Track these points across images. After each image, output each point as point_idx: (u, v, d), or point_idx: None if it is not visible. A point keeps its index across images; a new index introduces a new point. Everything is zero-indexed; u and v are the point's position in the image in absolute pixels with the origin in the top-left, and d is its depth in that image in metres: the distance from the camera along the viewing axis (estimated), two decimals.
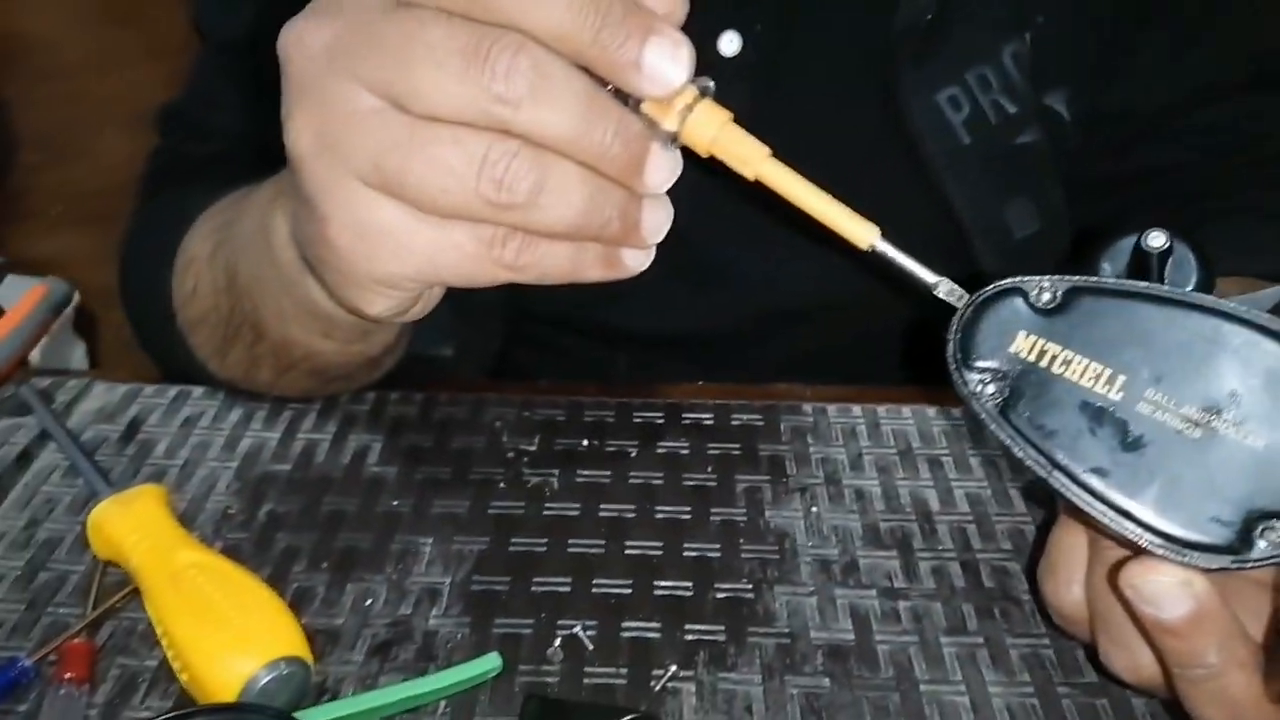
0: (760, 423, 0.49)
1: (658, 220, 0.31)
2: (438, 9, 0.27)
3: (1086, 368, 0.27)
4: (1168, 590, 0.27)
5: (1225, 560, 0.26)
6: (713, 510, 0.44)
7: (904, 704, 0.36)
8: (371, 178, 0.29)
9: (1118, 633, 0.31)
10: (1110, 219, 0.50)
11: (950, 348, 0.29)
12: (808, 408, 0.50)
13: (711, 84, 0.30)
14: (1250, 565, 0.26)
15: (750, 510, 0.44)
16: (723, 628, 0.39)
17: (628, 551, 0.42)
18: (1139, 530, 0.27)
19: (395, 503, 0.44)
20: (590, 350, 0.65)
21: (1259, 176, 0.56)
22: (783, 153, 0.58)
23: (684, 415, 0.50)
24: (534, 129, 0.27)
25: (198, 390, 0.50)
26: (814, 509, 0.44)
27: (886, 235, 0.30)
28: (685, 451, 0.47)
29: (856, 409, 0.50)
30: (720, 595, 0.40)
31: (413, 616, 0.39)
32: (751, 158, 0.30)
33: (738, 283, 0.59)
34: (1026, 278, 0.28)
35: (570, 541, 0.42)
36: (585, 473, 0.46)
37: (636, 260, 0.32)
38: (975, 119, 0.53)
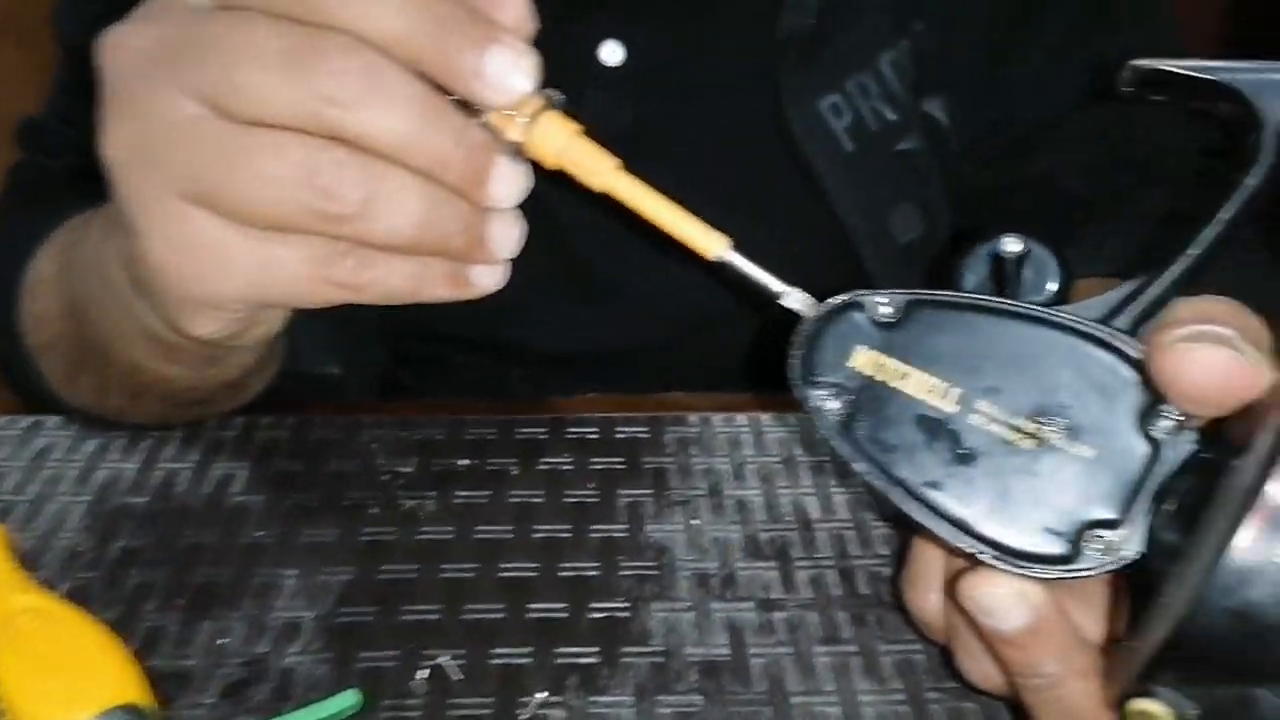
0: (646, 435, 0.48)
1: (506, 236, 0.30)
2: (264, 10, 0.26)
3: (923, 382, 0.27)
4: (1003, 601, 0.26)
5: (1058, 571, 0.26)
6: (592, 527, 0.43)
7: (776, 718, 0.35)
8: (191, 190, 0.27)
9: (967, 641, 0.31)
10: (988, 225, 0.51)
11: (792, 364, 0.28)
12: (694, 418, 0.49)
13: (560, 95, 0.29)
14: (1080, 575, 0.26)
15: (631, 525, 0.43)
16: (596, 649, 0.38)
17: (501, 574, 0.41)
18: (974, 543, 0.26)
19: (259, 533, 0.42)
20: (483, 368, 0.63)
21: (1135, 178, 0.57)
22: (670, 163, 0.57)
23: (568, 430, 0.49)
24: (366, 134, 0.26)
25: (52, 420, 0.48)
26: (694, 521, 0.44)
27: (738, 246, 0.29)
28: (568, 468, 0.46)
29: (742, 418, 0.49)
30: (595, 615, 0.39)
31: (270, 654, 0.37)
32: (600, 169, 0.29)
33: (632, 297, 0.59)
34: (866, 292, 0.28)
35: (442, 566, 0.41)
36: (462, 494, 0.45)
37: (487, 278, 0.31)
38: (857, 126, 0.54)
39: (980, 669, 0.31)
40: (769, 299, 0.30)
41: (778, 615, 0.39)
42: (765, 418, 0.49)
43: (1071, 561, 0.26)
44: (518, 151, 0.28)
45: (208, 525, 0.43)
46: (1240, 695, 0.21)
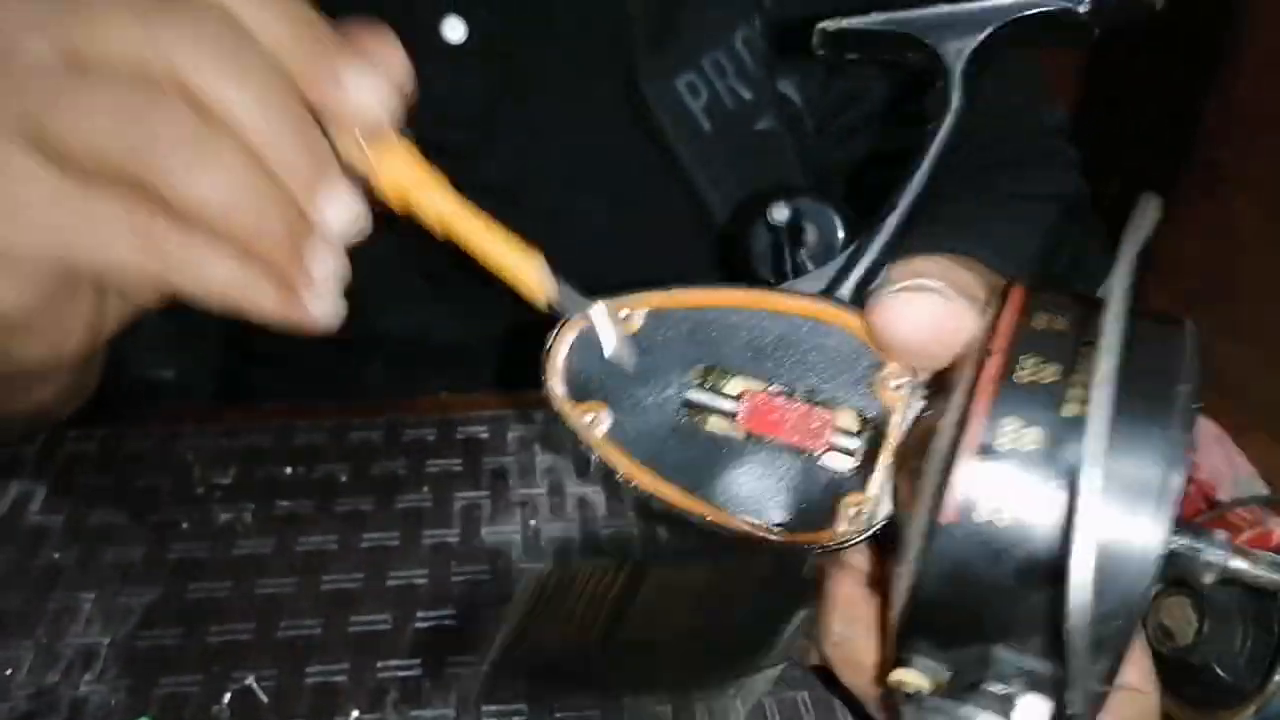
0: (485, 435, 0.47)
1: (325, 263, 0.27)
2: None
3: (666, 383, 0.27)
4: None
5: (819, 545, 0.26)
6: (425, 533, 0.41)
7: None
8: (15, 123, 0.25)
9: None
10: (768, 195, 0.51)
11: (547, 384, 0.27)
12: (539, 415, 0.48)
13: (411, 131, 0.28)
14: (838, 546, 0.26)
15: (466, 530, 0.42)
16: (419, 661, 0.36)
17: (324, 588, 0.39)
18: (734, 529, 0.26)
19: (57, 555, 0.39)
20: (334, 363, 0.61)
21: (979, 157, 0.58)
22: (524, 146, 0.56)
23: (405, 432, 0.47)
24: (206, 94, 0.25)
25: None
26: (533, 521, 0.42)
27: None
28: (402, 472, 0.44)
29: None
30: (422, 626, 0.37)
31: (60, 684, 0.34)
32: (442, 206, 0.28)
33: (486, 281, 0.57)
34: (607, 300, 0.27)
35: (258, 582, 0.39)
36: (285, 504, 0.42)
37: (319, 306, 0.28)
38: (714, 105, 0.53)
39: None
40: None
41: None
42: None
43: (830, 533, 0.26)
44: (365, 183, 0.27)
45: (1, 548, 0.39)
46: (981, 654, 0.21)
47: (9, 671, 0.35)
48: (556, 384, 0.28)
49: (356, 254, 0.64)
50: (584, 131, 0.54)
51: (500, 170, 0.55)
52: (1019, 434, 0.20)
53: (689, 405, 0.27)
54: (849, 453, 0.26)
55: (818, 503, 0.26)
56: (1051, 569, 0.19)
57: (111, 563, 0.39)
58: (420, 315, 0.58)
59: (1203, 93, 1.42)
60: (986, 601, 0.21)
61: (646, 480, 0.27)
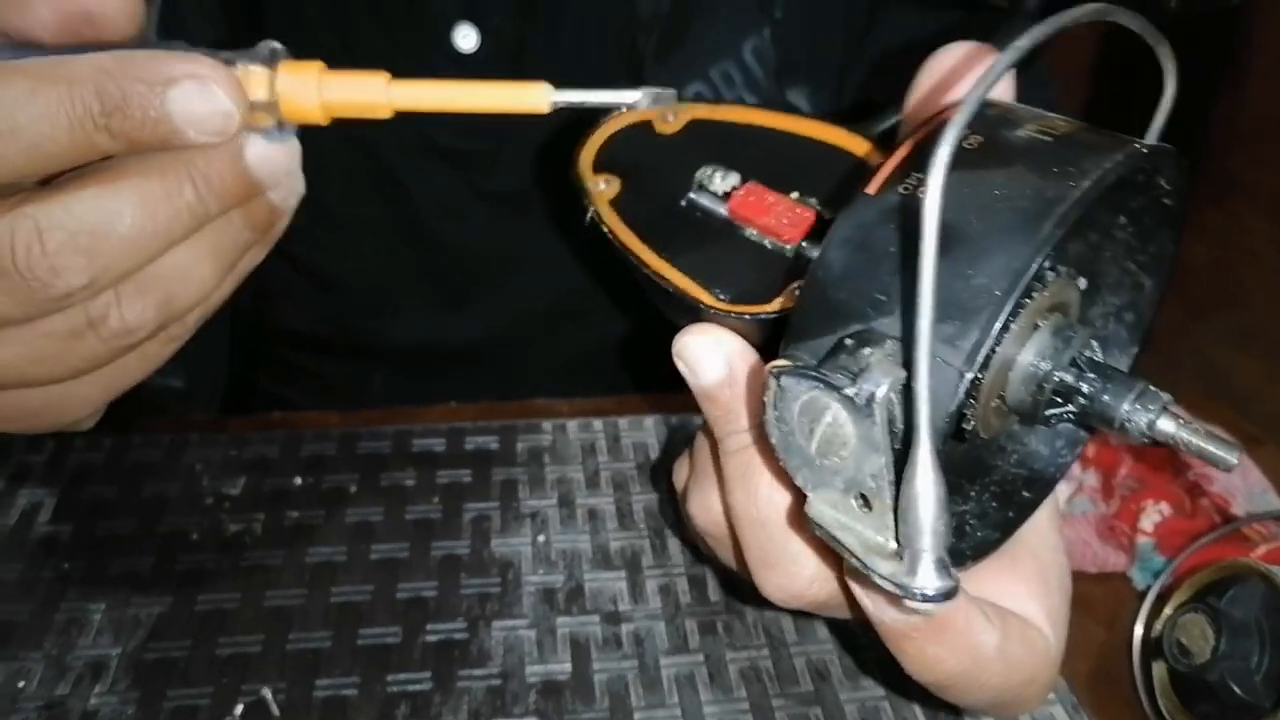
0: (495, 446, 0.47)
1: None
2: None
3: (681, 178, 0.28)
4: (701, 350, 0.26)
5: (749, 312, 0.26)
6: (434, 545, 0.41)
7: None
8: None
9: (703, 473, 0.30)
10: None
11: (579, 150, 0.29)
12: (547, 425, 0.48)
13: (278, 45, 0.25)
14: (765, 317, 0.26)
15: (475, 541, 0.42)
16: (429, 674, 0.36)
17: (333, 600, 0.38)
18: (678, 288, 0.27)
19: (66, 566, 0.39)
20: (341, 371, 0.61)
21: None
22: (535, 152, 0.56)
23: (413, 442, 0.46)
24: None
25: None
26: (541, 535, 0.42)
27: (558, 84, 0.27)
28: (410, 483, 0.44)
29: (598, 423, 0.48)
30: (431, 639, 0.37)
31: (70, 696, 0.34)
32: (374, 96, 0.25)
33: (492, 289, 0.57)
34: (654, 92, 0.27)
35: (267, 594, 0.38)
36: (294, 514, 0.42)
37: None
38: None
39: (701, 498, 0.30)
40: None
41: (625, 628, 0.38)
42: (623, 423, 0.48)
43: (764, 307, 0.26)
44: (278, 126, 0.24)
45: (8, 559, 0.39)
46: (858, 334, 0.21)
47: (20, 684, 0.35)
48: (584, 153, 0.28)
49: (364, 263, 0.64)
50: None
51: (511, 179, 0.55)
52: (969, 139, 0.22)
53: (693, 190, 0.28)
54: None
55: (767, 283, 0.26)
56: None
57: (120, 573, 0.39)
58: (428, 325, 0.58)
59: (1212, 102, 1.42)
60: (876, 269, 0.21)
61: (627, 237, 0.27)
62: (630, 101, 0.26)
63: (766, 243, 0.27)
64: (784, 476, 0.24)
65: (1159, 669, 0.38)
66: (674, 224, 0.28)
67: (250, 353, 0.60)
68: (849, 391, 0.20)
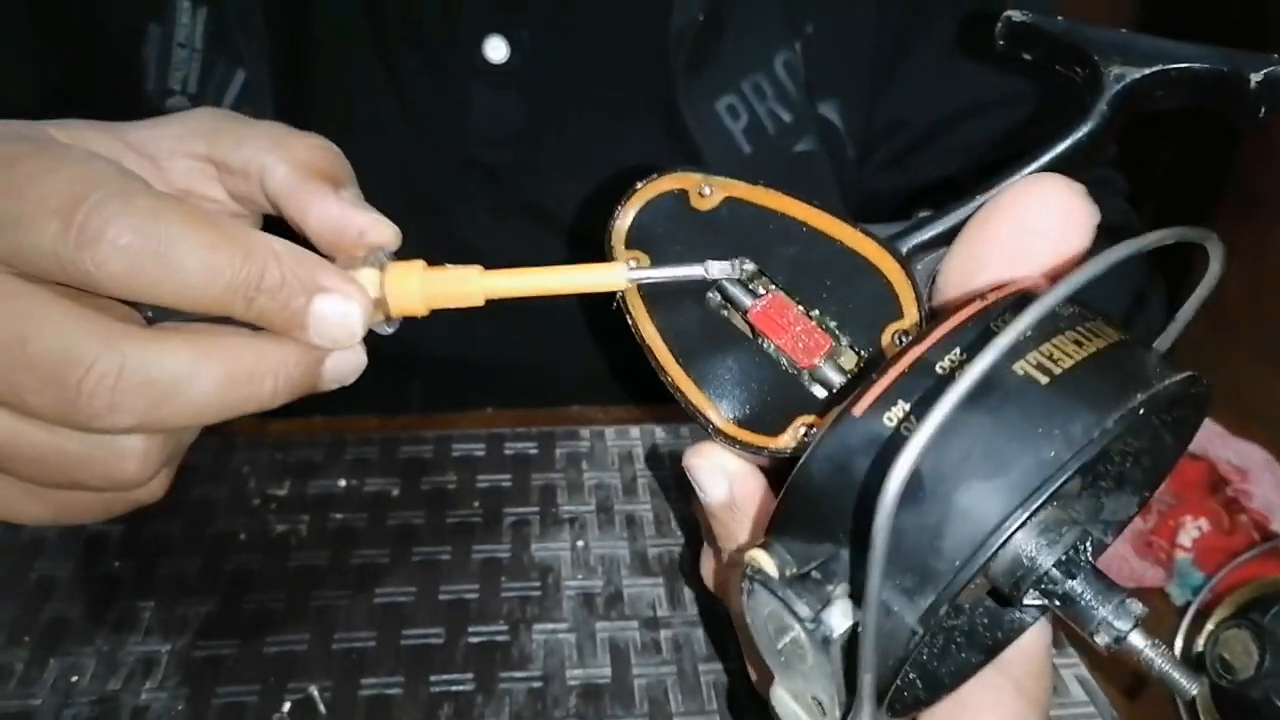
0: (534, 451, 0.47)
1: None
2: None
3: (713, 259, 0.27)
4: (706, 473, 0.26)
5: (752, 446, 0.26)
6: (475, 548, 0.42)
7: None
8: None
9: (706, 537, 0.30)
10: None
11: (615, 218, 0.28)
12: (585, 432, 0.48)
13: (389, 248, 0.28)
14: (770, 452, 0.26)
15: (515, 545, 0.42)
16: (472, 675, 0.36)
17: (377, 601, 0.39)
18: (690, 403, 0.26)
19: (116, 564, 0.40)
20: (376, 383, 0.61)
21: None
22: (563, 168, 0.56)
23: (454, 447, 0.47)
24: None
25: None
26: (580, 540, 0.42)
27: (633, 265, 0.28)
28: (452, 486, 0.45)
29: (635, 431, 0.49)
30: (474, 640, 0.38)
31: (122, 691, 0.35)
32: (470, 288, 0.27)
33: (528, 302, 0.58)
34: (695, 172, 0.28)
35: (313, 594, 0.39)
36: (339, 517, 0.43)
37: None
38: (754, 128, 0.53)
39: (709, 563, 0.31)
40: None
41: (664, 633, 0.38)
42: (659, 430, 0.49)
43: (770, 440, 0.26)
44: (384, 316, 0.27)
45: (59, 558, 0.40)
46: (829, 553, 0.21)
47: (74, 679, 0.35)
48: (623, 220, 0.28)
49: None
50: (623, 155, 0.55)
51: (539, 192, 0.55)
52: (959, 361, 0.21)
53: (719, 290, 0.27)
54: (828, 384, 0.26)
55: (777, 414, 0.26)
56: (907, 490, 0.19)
57: (169, 573, 0.40)
58: (464, 335, 0.59)
59: None
60: (850, 498, 0.21)
61: (648, 330, 0.27)
62: (702, 275, 0.27)
63: (783, 361, 0.27)
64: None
65: (1200, 685, 0.38)
66: (694, 318, 0.27)
67: None
68: (809, 625, 0.21)
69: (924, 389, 0.21)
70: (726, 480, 0.26)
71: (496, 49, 0.51)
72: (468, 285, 0.26)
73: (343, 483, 0.44)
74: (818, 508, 0.22)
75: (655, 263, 0.27)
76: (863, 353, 0.26)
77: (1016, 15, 0.28)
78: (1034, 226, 0.24)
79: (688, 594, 0.40)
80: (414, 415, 0.49)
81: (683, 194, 0.28)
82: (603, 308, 0.63)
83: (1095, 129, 0.25)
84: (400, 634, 0.38)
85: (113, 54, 0.50)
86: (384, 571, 0.40)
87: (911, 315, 0.26)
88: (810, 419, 0.26)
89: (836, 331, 0.26)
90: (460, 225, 0.55)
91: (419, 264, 0.27)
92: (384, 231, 0.27)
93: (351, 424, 0.49)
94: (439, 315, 0.67)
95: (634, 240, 0.28)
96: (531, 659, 0.37)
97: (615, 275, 0.27)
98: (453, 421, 0.49)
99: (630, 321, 0.27)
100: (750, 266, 0.27)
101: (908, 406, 0.21)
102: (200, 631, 0.37)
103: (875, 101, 0.57)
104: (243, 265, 0.23)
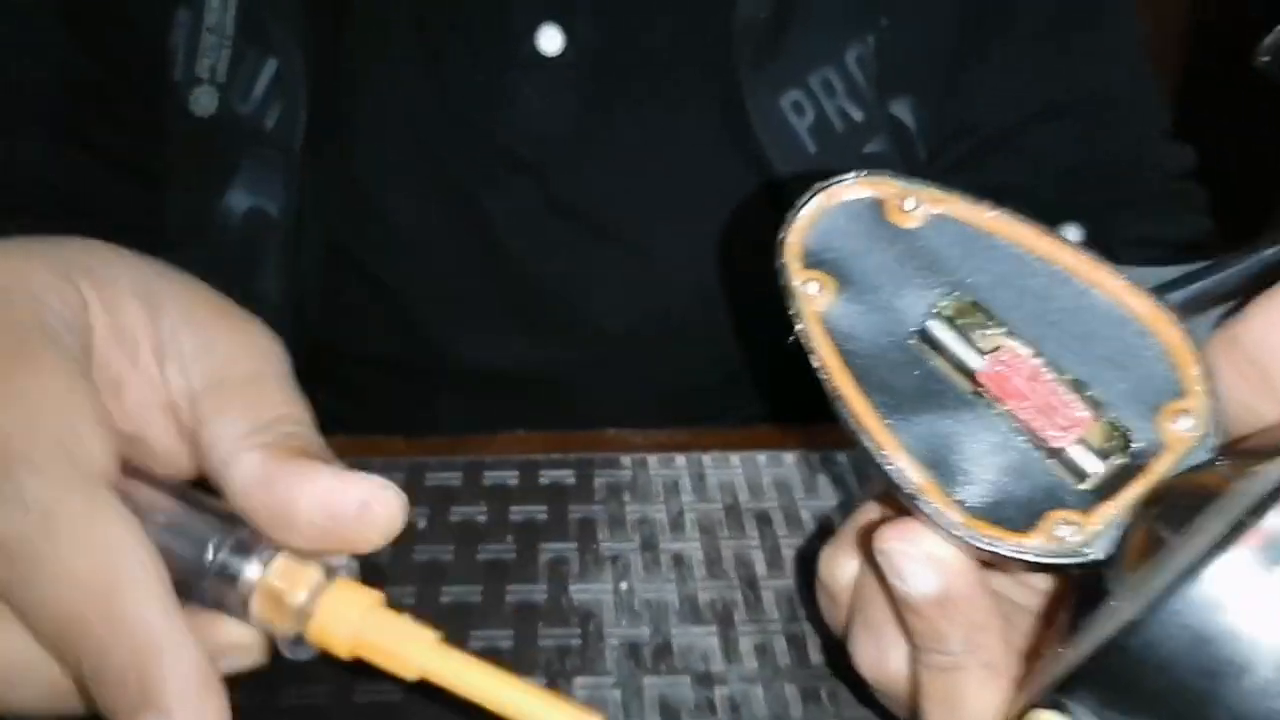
0: (572, 480, 0.44)
1: None
2: None
3: (914, 295, 0.22)
4: (914, 563, 0.22)
5: (998, 544, 0.21)
6: (509, 588, 0.38)
7: None
8: None
9: (871, 613, 0.26)
10: None
11: (785, 233, 0.24)
12: (626, 460, 0.45)
13: (354, 563, 0.24)
14: (1020, 558, 0.21)
15: (553, 587, 0.38)
16: None
17: None
18: (911, 485, 0.22)
19: None
20: (404, 392, 0.58)
21: (1105, 198, 0.54)
22: (617, 165, 0.53)
23: (485, 474, 0.44)
24: None
25: None
26: (624, 583, 0.39)
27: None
28: (482, 519, 0.41)
29: (680, 459, 0.45)
30: None
31: None
32: (408, 657, 0.23)
33: (568, 306, 0.54)
34: (901, 180, 0.24)
35: None
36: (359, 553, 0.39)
37: None
38: (820, 126, 0.50)
39: (875, 650, 0.26)
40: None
41: (719, 691, 0.35)
42: (707, 459, 0.45)
43: (1019, 540, 0.21)
44: (298, 639, 0.24)
45: None
46: None
47: None
48: (794, 236, 0.23)
49: (431, 275, 0.61)
50: (681, 152, 0.51)
51: (585, 194, 0.52)
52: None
53: (925, 335, 0.22)
54: (1079, 472, 0.21)
55: (1019, 500, 0.22)
56: None
57: None
58: (497, 346, 0.55)
59: None
60: (1215, 677, 0.17)
61: (841, 380, 0.22)
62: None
63: (1020, 437, 0.22)
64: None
65: None
66: (898, 366, 0.22)
67: (312, 367, 0.57)
68: None
69: None
70: (940, 575, 0.22)
71: (551, 40, 0.48)
72: (407, 653, 0.23)
73: None
74: (1152, 680, 0.17)
75: (843, 291, 0.22)
76: (1127, 430, 0.21)
77: None
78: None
79: (744, 645, 0.36)
80: (442, 437, 0.46)
81: (876, 204, 0.23)
82: (650, 323, 0.58)
83: None
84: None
85: (140, 41, 0.48)
86: (412, 612, 0.37)
87: (1196, 394, 0.21)
88: (1074, 518, 0.21)
89: (1091, 400, 0.21)
90: (499, 227, 0.52)
91: (374, 598, 0.23)
92: (390, 501, 0.24)
93: (377, 445, 0.45)
94: (471, 320, 0.62)
95: (810, 257, 0.23)
96: None
97: None
98: (482, 445, 0.45)
99: (816, 366, 0.22)
100: (970, 303, 0.22)
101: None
102: None
103: (947, 100, 0.53)
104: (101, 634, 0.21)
